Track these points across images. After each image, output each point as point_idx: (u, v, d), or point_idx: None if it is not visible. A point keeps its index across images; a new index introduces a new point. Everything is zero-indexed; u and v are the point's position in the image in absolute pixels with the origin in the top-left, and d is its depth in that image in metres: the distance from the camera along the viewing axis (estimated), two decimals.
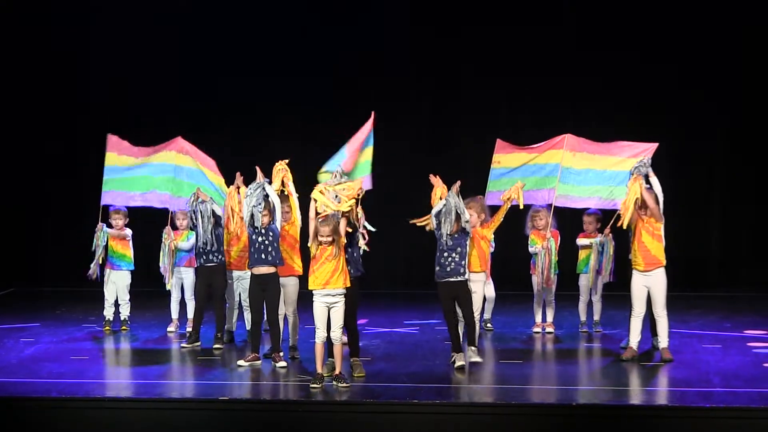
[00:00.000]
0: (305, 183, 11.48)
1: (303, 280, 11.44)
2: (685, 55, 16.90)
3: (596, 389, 11.05)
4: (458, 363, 11.50)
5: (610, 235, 12.97)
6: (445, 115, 17.53)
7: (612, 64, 16.81)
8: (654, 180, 11.83)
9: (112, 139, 13.72)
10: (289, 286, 12.00)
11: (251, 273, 11.76)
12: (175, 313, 13.75)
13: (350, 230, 11.22)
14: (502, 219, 12.12)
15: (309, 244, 10.97)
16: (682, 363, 11.78)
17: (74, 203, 17.11)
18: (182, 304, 13.70)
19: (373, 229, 11.64)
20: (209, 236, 12.57)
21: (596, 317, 13.60)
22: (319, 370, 10.86)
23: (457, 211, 11.36)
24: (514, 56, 17.08)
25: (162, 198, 13.41)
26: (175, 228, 13.46)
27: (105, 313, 13.80)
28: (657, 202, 11.75)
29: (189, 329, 13.15)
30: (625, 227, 11.79)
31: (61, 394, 10.55)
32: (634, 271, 11.87)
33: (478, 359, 11.53)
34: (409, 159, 16.64)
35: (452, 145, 17.30)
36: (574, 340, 13.31)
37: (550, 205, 13.22)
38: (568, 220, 14.23)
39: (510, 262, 15.82)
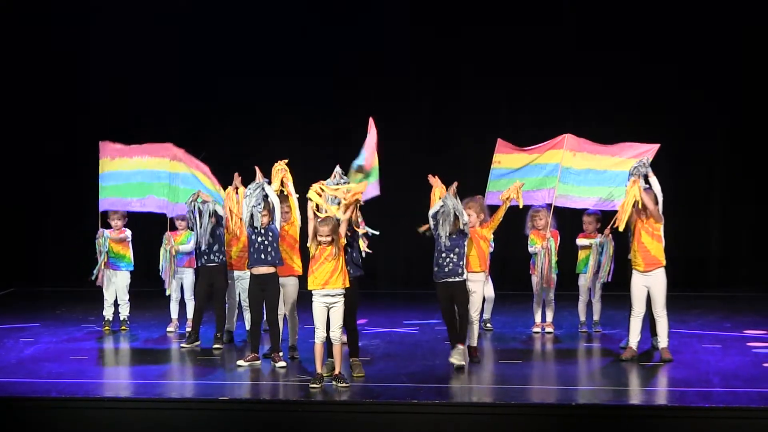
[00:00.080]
0: (305, 183, 11.47)
1: (302, 280, 11.43)
2: (685, 55, 16.90)
3: (596, 389, 11.05)
4: (458, 363, 11.50)
5: (610, 235, 12.97)
6: (445, 115, 17.53)
7: (612, 64, 16.81)
8: (653, 180, 11.83)
9: (104, 145, 13.68)
10: (289, 286, 12.00)
11: (251, 273, 11.76)
12: (174, 313, 13.75)
13: (349, 234, 11.22)
14: (501, 219, 12.12)
15: (308, 244, 10.97)
16: (682, 363, 11.78)
17: (74, 203, 17.09)
18: (182, 304, 13.71)
19: (376, 233, 11.64)
20: (207, 236, 12.56)
21: (596, 317, 13.60)
22: (319, 370, 10.86)
23: (455, 213, 11.36)
24: (514, 56, 17.08)
25: (160, 203, 13.40)
26: (174, 228, 13.48)
27: (104, 313, 13.81)
28: (656, 203, 11.75)
29: (188, 329, 13.15)
30: (621, 230, 11.80)
31: (60, 394, 10.55)
32: (633, 271, 11.87)
33: (460, 363, 11.45)
34: (409, 159, 16.63)
35: (452, 145, 17.30)
36: (573, 340, 13.31)
37: (550, 205, 13.23)
38: (568, 220, 14.24)
39: (510, 263, 15.85)
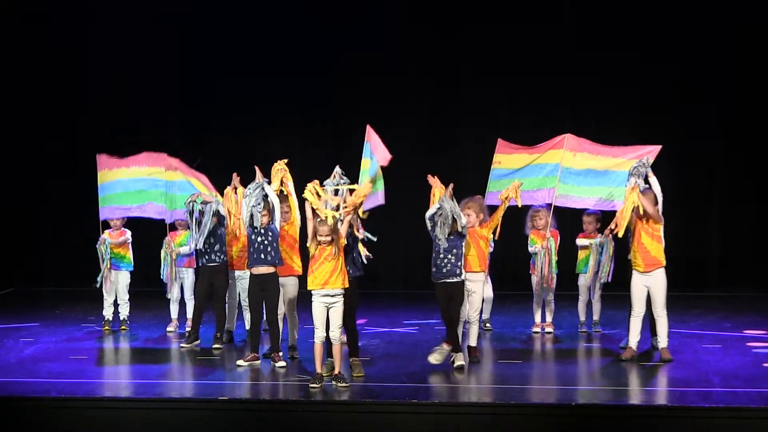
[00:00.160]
0: (305, 183, 11.46)
1: (302, 280, 11.44)
2: (685, 55, 16.90)
3: (596, 389, 11.05)
4: (458, 363, 11.51)
5: (610, 235, 12.96)
6: (445, 115, 17.52)
7: (612, 64, 16.81)
8: (653, 180, 11.83)
9: (101, 158, 13.66)
10: (289, 286, 12.00)
11: (250, 273, 11.76)
12: (174, 313, 13.75)
13: (350, 237, 11.23)
14: (500, 218, 12.11)
15: (308, 244, 10.97)
16: (682, 363, 11.78)
17: (74, 203, 17.10)
18: (182, 304, 13.71)
19: (374, 239, 11.64)
20: (205, 237, 12.56)
21: (595, 317, 13.60)
22: (319, 369, 10.86)
23: (453, 216, 11.36)
24: (514, 56, 17.07)
25: (158, 209, 13.42)
26: (174, 228, 13.48)
27: (104, 312, 13.82)
28: (656, 203, 11.75)
29: (188, 329, 13.15)
30: (621, 236, 11.79)
31: (60, 393, 10.56)
32: (633, 272, 11.87)
33: (436, 359, 11.49)
34: (409, 159, 16.59)
35: (452, 145, 17.30)
36: (573, 340, 13.31)
37: (550, 204, 13.22)
38: (568, 220, 14.24)
39: (509, 262, 15.84)
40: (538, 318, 13.68)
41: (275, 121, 17.37)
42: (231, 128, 17.38)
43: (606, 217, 13.10)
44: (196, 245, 12.66)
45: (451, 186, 11.44)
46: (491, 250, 12.83)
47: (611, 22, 16.93)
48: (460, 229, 11.42)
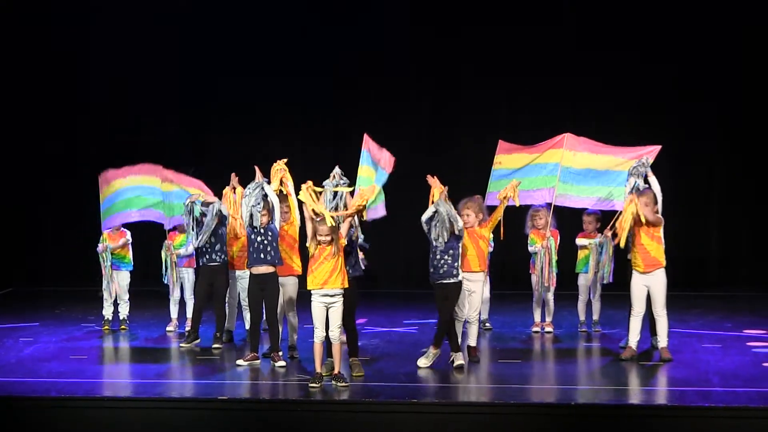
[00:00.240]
0: (304, 183, 11.47)
1: (302, 279, 11.44)
2: (685, 55, 16.90)
3: (595, 389, 11.05)
4: (457, 362, 11.51)
5: (610, 235, 12.95)
6: (445, 115, 17.53)
7: (612, 64, 16.81)
8: (653, 180, 11.84)
9: (103, 177, 13.65)
10: (288, 285, 12.00)
11: (250, 273, 11.76)
12: (174, 312, 13.75)
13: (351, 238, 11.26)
14: (499, 218, 12.10)
15: (307, 244, 10.96)
16: (682, 362, 11.77)
17: (74, 203, 17.12)
18: (182, 303, 13.71)
19: (366, 246, 11.64)
20: (208, 236, 12.57)
21: (595, 317, 13.60)
22: (318, 369, 10.85)
23: (450, 220, 11.35)
24: (514, 56, 17.08)
25: (157, 214, 13.42)
26: (173, 228, 13.49)
27: (104, 312, 13.81)
28: (655, 202, 11.74)
29: (188, 328, 13.15)
30: (622, 246, 11.77)
31: (60, 393, 10.55)
32: (633, 271, 11.86)
33: (423, 363, 11.51)
34: (409, 159, 16.54)
35: (452, 145, 17.31)
36: (573, 339, 13.30)
37: (550, 204, 13.22)
38: (568, 220, 14.24)
39: (509, 262, 15.83)
40: (537, 317, 13.68)
41: (275, 121, 17.38)
42: (231, 128, 17.39)
43: (606, 216, 13.10)
44: (198, 244, 12.65)
45: (445, 189, 11.41)
46: (491, 249, 12.84)
47: (611, 22, 16.94)
48: (457, 232, 11.41)
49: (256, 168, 11.78)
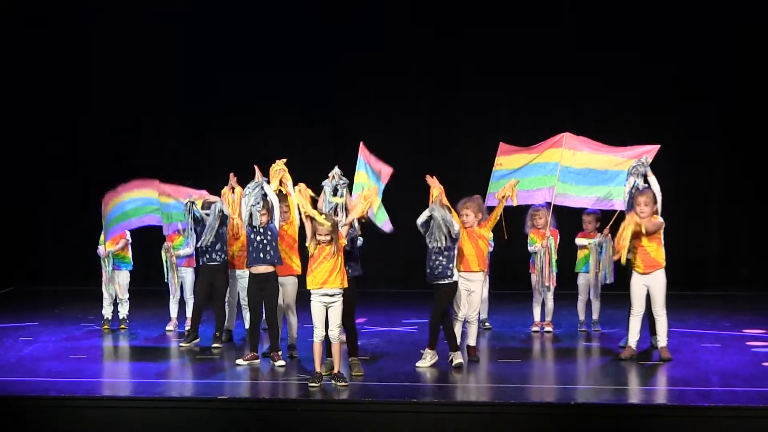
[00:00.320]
0: (304, 183, 11.47)
1: (302, 279, 11.44)
2: (685, 55, 16.92)
3: (595, 388, 11.05)
4: (456, 362, 11.51)
5: (609, 235, 12.96)
6: (445, 115, 17.54)
7: (612, 64, 16.83)
8: (652, 180, 11.84)
9: (104, 201, 13.65)
10: (288, 285, 12.00)
11: (249, 272, 11.76)
12: (174, 312, 13.76)
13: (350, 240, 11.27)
14: (498, 217, 12.09)
15: (307, 244, 10.96)
16: (681, 362, 11.77)
17: (74, 203, 17.13)
18: (181, 303, 13.72)
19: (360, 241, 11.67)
20: (212, 235, 12.57)
21: (595, 316, 13.60)
22: (318, 369, 10.85)
23: (446, 225, 11.35)
24: (514, 56, 17.09)
25: (156, 218, 13.42)
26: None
27: (104, 312, 13.82)
28: (655, 202, 11.74)
29: (188, 328, 13.15)
30: (623, 263, 11.75)
31: (59, 392, 10.54)
32: (633, 271, 11.86)
33: (422, 365, 11.52)
34: (409, 159, 16.62)
35: (452, 145, 17.32)
36: (572, 339, 13.30)
37: (550, 203, 13.22)
38: (568, 220, 14.24)
39: (509, 262, 15.84)
40: (537, 317, 13.68)
41: (275, 121, 17.39)
42: (231, 128, 17.40)
43: (605, 216, 13.10)
44: (201, 243, 12.63)
45: (442, 193, 11.39)
46: (491, 249, 12.84)
47: (611, 22, 16.95)
48: (453, 236, 11.42)
49: (256, 168, 11.79)
